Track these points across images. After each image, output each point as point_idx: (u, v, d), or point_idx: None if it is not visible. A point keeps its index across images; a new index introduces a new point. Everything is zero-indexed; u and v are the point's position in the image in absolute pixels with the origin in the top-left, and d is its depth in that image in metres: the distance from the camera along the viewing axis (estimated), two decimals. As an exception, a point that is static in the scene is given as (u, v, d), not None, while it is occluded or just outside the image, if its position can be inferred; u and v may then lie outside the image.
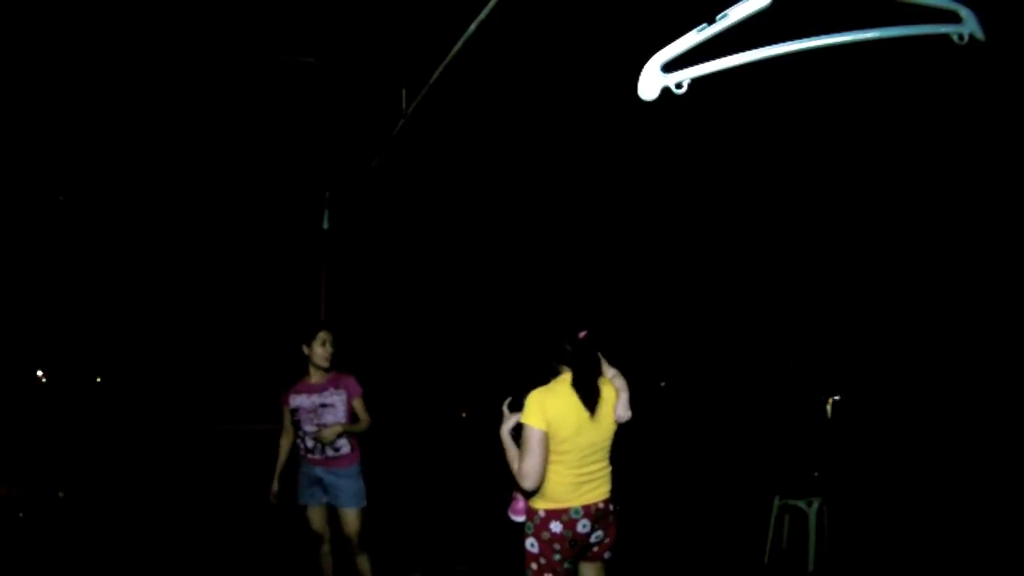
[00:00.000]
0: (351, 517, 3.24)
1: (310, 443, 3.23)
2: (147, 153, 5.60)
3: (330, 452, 3.21)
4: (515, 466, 2.12)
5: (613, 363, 2.42)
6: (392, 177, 5.56)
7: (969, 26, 1.77)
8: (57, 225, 7.72)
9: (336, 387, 3.31)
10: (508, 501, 2.33)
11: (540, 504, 2.16)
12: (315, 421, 3.22)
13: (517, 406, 2.17)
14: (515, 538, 2.22)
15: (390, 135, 4.37)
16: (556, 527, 2.14)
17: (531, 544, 2.15)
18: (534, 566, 2.14)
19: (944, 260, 8.89)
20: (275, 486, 3.37)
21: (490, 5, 2.73)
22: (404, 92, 4.15)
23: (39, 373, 15.63)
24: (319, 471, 3.23)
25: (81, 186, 6.47)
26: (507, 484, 2.32)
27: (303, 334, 3.29)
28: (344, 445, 3.25)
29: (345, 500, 3.23)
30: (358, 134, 4.96)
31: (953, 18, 1.79)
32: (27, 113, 4.71)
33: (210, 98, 4.60)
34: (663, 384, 17.28)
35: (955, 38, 1.79)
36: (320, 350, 3.29)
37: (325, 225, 6.13)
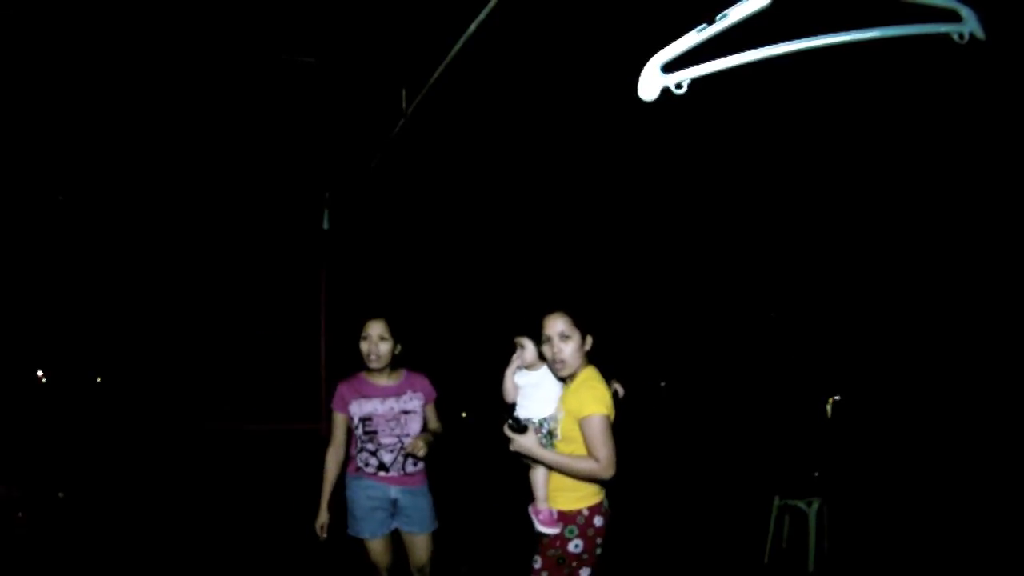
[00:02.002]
0: (424, 543, 2.78)
1: (387, 457, 2.67)
2: (147, 153, 5.60)
3: (410, 467, 2.73)
4: (588, 465, 2.00)
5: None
6: (392, 177, 5.55)
7: (969, 25, 1.77)
8: (57, 225, 7.72)
9: (413, 389, 2.79)
10: (522, 516, 2.22)
11: (580, 503, 2.10)
12: (397, 431, 2.69)
13: (517, 423, 2.09)
14: (515, 538, 2.21)
15: (390, 135, 4.37)
16: (599, 521, 2.11)
17: (575, 546, 2.07)
18: (575, 564, 2.07)
19: (944, 260, 8.89)
20: (324, 516, 2.71)
21: (490, 5, 2.73)
22: (404, 92, 4.14)
23: (39, 373, 15.65)
24: (394, 491, 2.70)
25: (81, 186, 6.47)
26: (522, 491, 2.24)
27: (356, 330, 2.73)
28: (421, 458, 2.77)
29: (420, 523, 2.75)
30: (358, 134, 4.96)
31: (953, 17, 1.78)
32: (27, 113, 4.71)
33: (210, 98, 4.60)
34: (663, 384, 17.29)
35: (955, 37, 1.79)
36: (364, 347, 2.70)
37: (325, 225, 6.13)
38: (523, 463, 2.18)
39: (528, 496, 2.23)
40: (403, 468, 2.71)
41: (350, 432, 2.78)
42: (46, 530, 4.96)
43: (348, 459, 2.78)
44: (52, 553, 4.45)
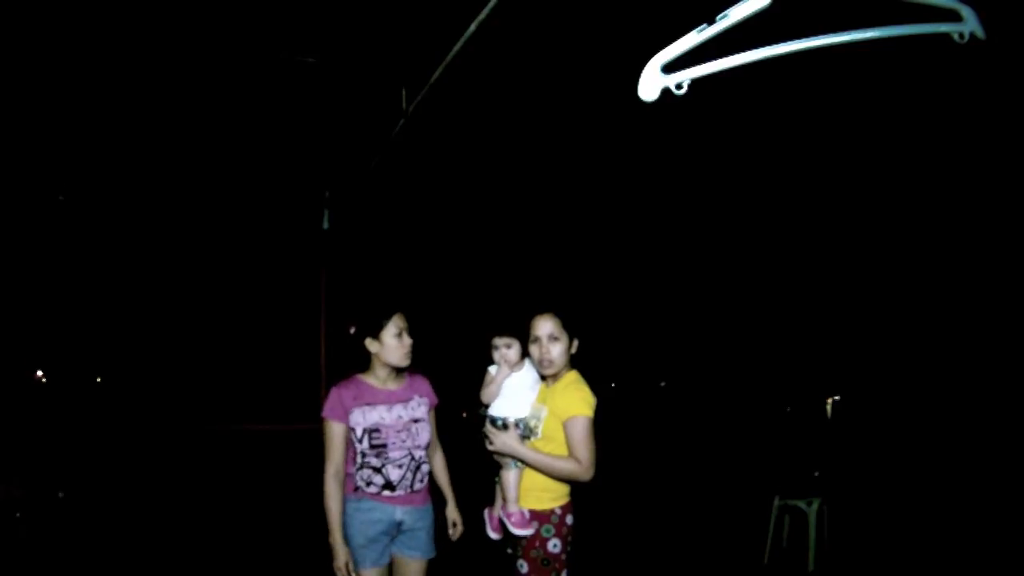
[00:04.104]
0: (421, 570, 2.37)
1: (395, 474, 2.29)
2: (147, 153, 5.61)
3: (417, 483, 2.34)
4: (570, 466, 2.02)
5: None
6: (392, 177, 5.56)
7: (970, 25, 1.77)
8: (57, 225, 7.72)
9: (420, 394, 2.41)
10: (484, 522, 2.23)
11: (553, 503, 2.11)
12: (408, 444, 2.32)
13: (495, 422, 2.13)
14: (515, 539, 2.20)
15: (390, 135, 4.37)
16: (570, 519, 2.13)
17: (554, 545, 2.08)
18: (557, 565, 2.08)
19: (944, 260, 8.90)
20: (344, 554, 2.22)
21: (490, 5, 2.73)
22: (404, 92, 4.14)
23: (39, 373, 15.67)
24: (400, 512, 2.30)
25: (81, 186, 6.48)
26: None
27: (366, 323, 2.31)
28: (427, 472, 2.38)
29: (422, 547, 2.35)
30: (358, 134, 4.96)
31: (954, 17, 1.78)
32: (27, 113, 4.72)
33: (211, 98, 4.60)
34: (663, 384, 17.30)
35: (956, 37, 1.78)
36: (396, 343, 2.31)
37: (325, 225, 6.13)
38: (494, 463, 2.19)
39: (487, 499, 2.24)
40: (411, 485, 2.33)
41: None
42: (46, 530, 4.96)
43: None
44: (52, 553, 4.45)
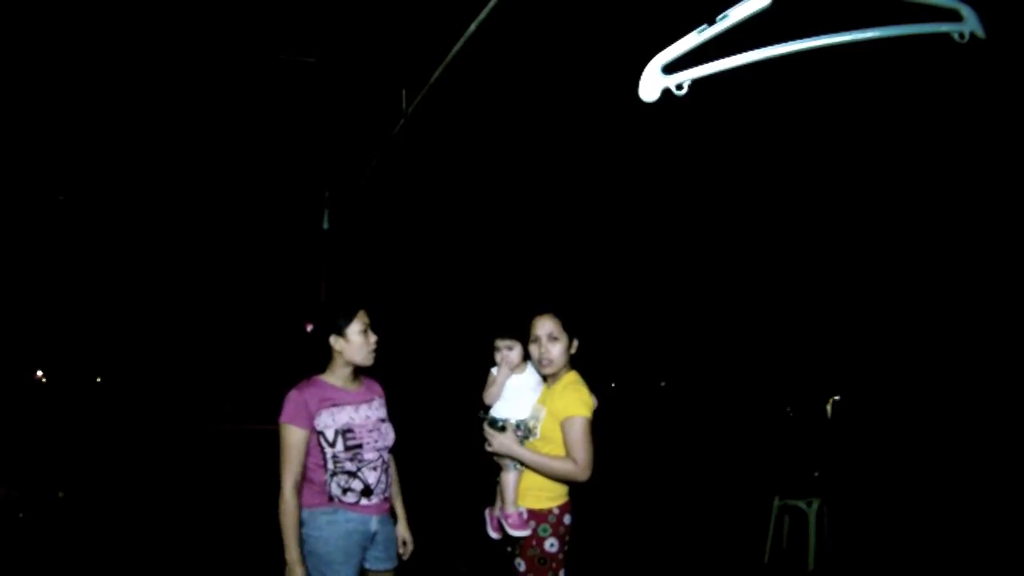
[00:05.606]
0: None
1: (371, 477, 2.16)
2: (147, 153, 5.61)
3: (388, 488, 2.24)
4: (567, 466, 2.05)
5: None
6: (392, 177, 5.56)
7: (970, 24, 1.77)
8: (57, 225, 7.73)
9: (378, 395, 2.32)
10: (484, 522, 2.24)
11: (551, 503, 2.13)
12: (380, 444, 2.20)
13: (494, 423, 2.15)
14: (513, 538, 2.21)
15: (390, 135, 4.37)
16: (568, 519, 2.15)
17: (551, 544, 2.11)
18: (554, 565, 2.11)
19: (943, 260, 8.90)
20: (303, 572, 2.10)
21: (490, 5, 2.73)
22: (404, 92, 4.15)
23: (39, 373, 15.68)
24: (375, 522, 2.19)
25: (81, 186, 6.48)
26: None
27: (331, 320, 2.18)
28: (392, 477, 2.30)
29: (392, 557, 2.26)
30: (358, 134, 4.96)
31: (954, 16, 1.79)
32: (27, 113, 4.72)
33: (211, 98, 4.61)
34: (663, 384, 17.31)
35: (956, 36, 1.79)
36: (361, 340, 2.19)
37: (325, 225, 6.14)
38: (496, 464, 2.20)
39: (489, 499, 2.25)
40: (384, 490, 2.21)
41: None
42: (46, 530, 4.96)
43: (302, 490, 2.17)
44: (52, 553, 4.45)
